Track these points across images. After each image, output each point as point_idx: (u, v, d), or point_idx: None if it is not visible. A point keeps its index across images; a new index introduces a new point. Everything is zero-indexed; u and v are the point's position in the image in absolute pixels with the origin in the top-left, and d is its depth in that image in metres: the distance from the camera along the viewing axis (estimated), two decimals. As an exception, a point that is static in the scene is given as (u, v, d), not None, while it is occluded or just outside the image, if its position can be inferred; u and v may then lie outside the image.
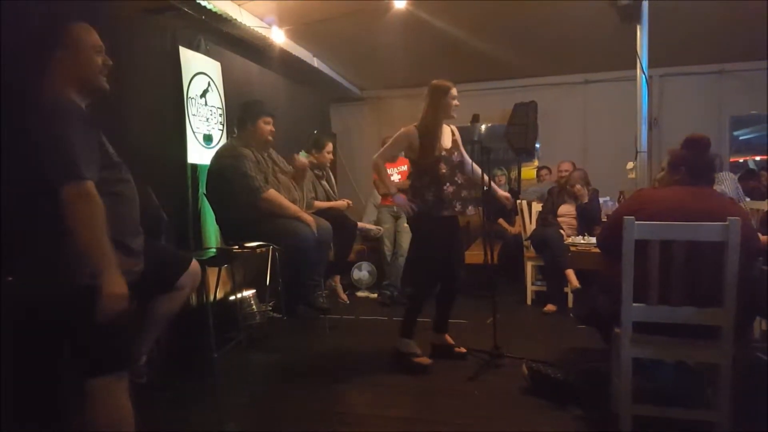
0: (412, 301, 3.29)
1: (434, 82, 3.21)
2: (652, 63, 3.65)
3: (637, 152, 3.67)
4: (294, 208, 3.29)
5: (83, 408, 1.71)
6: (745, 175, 5.35)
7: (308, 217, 3.29)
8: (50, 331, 1.84)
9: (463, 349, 3.37)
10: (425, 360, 3.14)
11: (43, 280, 1.72)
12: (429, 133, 3.14)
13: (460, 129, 3.32)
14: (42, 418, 2.11)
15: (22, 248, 1.77)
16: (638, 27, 3.54)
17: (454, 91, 3.16)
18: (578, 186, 4.69)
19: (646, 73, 3.57)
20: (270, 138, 3.42)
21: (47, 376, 2.08)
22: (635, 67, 3.60)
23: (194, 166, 3.76)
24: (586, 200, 4.65)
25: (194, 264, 2.36)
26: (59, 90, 1.76)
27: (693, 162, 2.38)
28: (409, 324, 3.22)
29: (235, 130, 3.47)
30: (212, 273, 3.41)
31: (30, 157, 1.69)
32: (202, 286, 2.91)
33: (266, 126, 3.37)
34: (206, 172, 3.48)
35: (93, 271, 1.65)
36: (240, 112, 3.49)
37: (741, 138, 6.27)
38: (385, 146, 3.32)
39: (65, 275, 1.68)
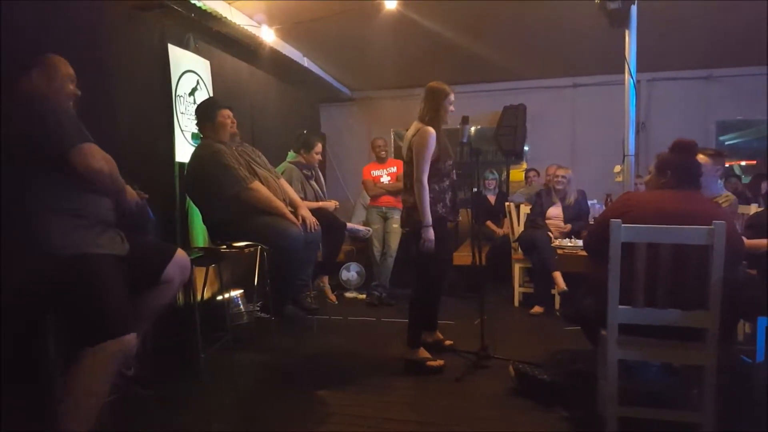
0: (420, 309, 3.25)
1: (434, 84, 3.16)
2: (641, 67, 3.67)
3: (624, 156, 3.68)
4: (280, 204, 3.25)
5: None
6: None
7: (293, 217, 3.26)
8: (38, 308, 1.87)
9: (450, 342, 3.52)
10: (439, 362, 3.14)
11: (30, 254, 1.78)
12: (441, 135, 3.11)
13: (449, 131, 3.32)
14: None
15: (6, 225, 1.80)
16: (627, 31, 3.55)
17: (452, 97, 3.15)
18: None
19: (635, 78, 3.59)
20: (234, 130, 3.36)
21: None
22: (623, 71, 3.62)
23: (182, 165, 3.72)
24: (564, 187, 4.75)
25: (182, 256, 2.32)
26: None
27: (680, 166, 2.41)
28: (417, 333, 3.22)
29: (201, 134, 3.40)
30: (200, 273, 3.38)
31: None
32: (190, 286, 2.89)
33: (226, 119, 3.31)
34: (186, 172, 3.41)
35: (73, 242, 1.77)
36: (197, 116, 3.41)
37: (727, 143, 6.35)
38: (422, 160, 2.98)
39: (49, 248, 1.76)
